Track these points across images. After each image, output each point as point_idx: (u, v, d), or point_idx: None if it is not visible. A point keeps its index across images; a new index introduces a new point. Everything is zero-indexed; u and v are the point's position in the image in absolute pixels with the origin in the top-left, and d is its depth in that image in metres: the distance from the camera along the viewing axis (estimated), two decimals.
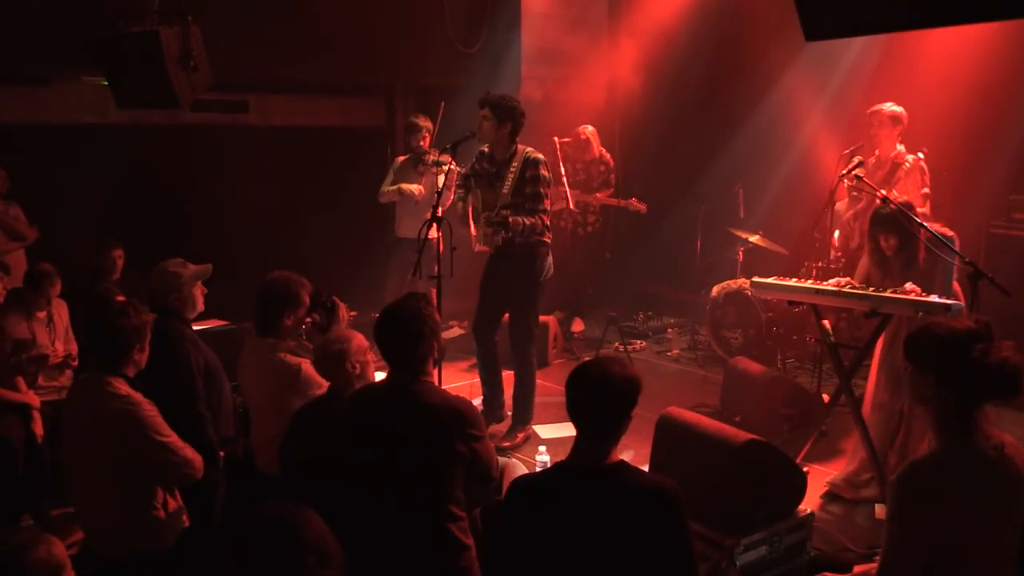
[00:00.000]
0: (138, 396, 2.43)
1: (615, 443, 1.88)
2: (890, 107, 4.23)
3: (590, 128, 5.71)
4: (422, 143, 5.10)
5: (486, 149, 3.92)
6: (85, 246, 4.29)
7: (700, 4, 5.90)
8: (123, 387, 2.42)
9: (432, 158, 5.04)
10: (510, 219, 3.61)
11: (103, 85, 4.04)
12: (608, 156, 5.79)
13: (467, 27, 5.94)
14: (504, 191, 3.74)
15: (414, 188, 5.05)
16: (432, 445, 2.15)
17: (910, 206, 3.27)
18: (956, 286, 3.25)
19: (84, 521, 2.59)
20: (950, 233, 3.23)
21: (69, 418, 2.52)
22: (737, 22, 5.68)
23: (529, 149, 3.84)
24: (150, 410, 2.42)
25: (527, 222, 3.70)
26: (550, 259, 3.95)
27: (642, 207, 5.52)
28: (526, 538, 1.88)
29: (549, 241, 3.93)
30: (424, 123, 5.13)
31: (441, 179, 5.05)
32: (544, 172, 3.79)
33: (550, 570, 1.85)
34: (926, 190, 4.29)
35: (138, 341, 2.47)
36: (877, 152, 4.35)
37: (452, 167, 4.91)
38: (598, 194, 5.69)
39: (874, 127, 4.26)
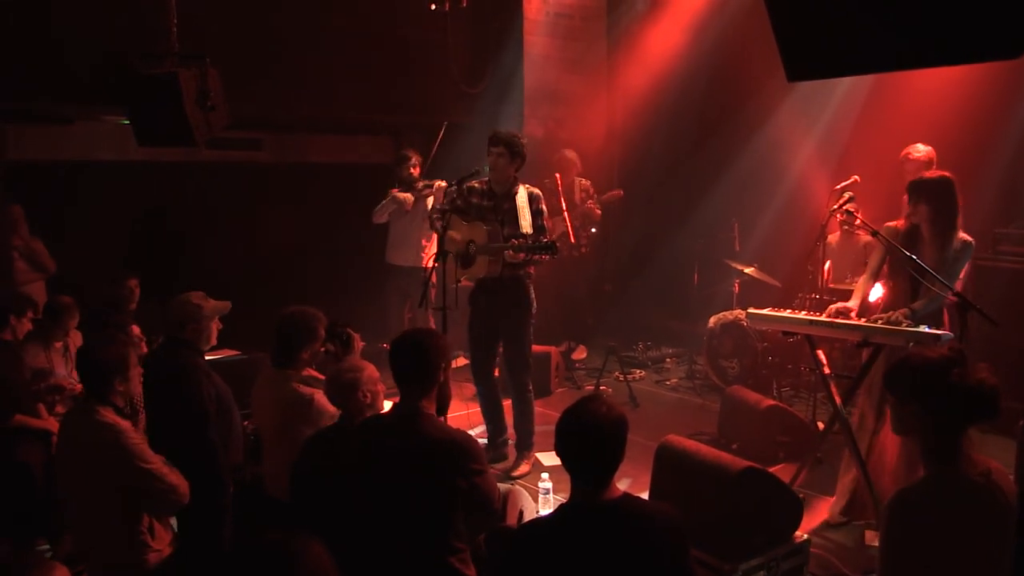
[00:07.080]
0: (125, 424, 2.47)
1: (612, 478, 1.89)
2: (923, 149, 4.18)
3: (572, 152, 5.96)
4: (412, 171, 5.37)
5: (477, 184, 4.01)
6: (103, 278, 4.36)
7: (694, 46, 6.10)
8: (109, 415, 2.46)
9: (422, 184, 5.31)
10: (556, 243, 3.73)
11: (123, 124, 4.15)
12: (586, 183, 5.97)
13: (472, 68, 6.12)
14: (524, 223, 3.86)
15: (407, 196, 5.29)
16: (432, 478, 2.18)
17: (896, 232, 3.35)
18: (945, 315, 3.35)
19: (78, 543, 2.63)
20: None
21: (61, 445, 2.59)
22: (730, 62, 5.85)
23: (528, 185, 4.00)
24: (135, 437, 2.46)
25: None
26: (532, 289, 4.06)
27: (618, 192, 6.05)
28: None
29: (533, 272, 4.06)
30: (412, 154, 5.43)
31: (430, 201, 5.28)
32: (543, 206, 3.98)
33: None
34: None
35: (119, 372, 2.50)
36: None
37: (439, 185, 5.13)
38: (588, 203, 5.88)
39: (910, 171, 4.13)
